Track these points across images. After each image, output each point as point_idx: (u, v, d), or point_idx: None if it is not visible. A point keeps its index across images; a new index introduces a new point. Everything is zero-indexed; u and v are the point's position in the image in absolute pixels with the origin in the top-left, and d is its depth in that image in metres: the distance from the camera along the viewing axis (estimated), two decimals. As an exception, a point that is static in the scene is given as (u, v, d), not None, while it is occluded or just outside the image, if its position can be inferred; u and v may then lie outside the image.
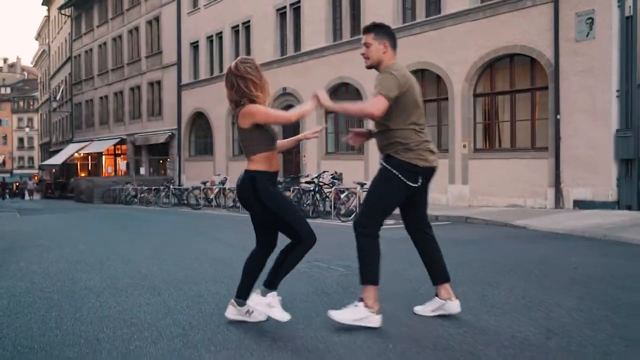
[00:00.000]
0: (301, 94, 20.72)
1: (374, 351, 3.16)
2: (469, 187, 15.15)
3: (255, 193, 3.59)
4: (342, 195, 13.68)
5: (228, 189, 19.41)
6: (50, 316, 4.16)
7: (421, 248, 4.01)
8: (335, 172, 15.45)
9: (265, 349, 3.22)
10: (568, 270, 5.81)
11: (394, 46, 3.97)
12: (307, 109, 3.67)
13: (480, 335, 3.42)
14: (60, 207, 25.15)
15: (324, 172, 16.00)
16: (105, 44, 38.06)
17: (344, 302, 3.99)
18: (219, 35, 26.08)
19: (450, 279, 3.93)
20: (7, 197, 52.22)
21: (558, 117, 13.08)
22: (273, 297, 3.58)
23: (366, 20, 17.99)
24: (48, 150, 54.49)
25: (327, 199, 14.57)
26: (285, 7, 21.85)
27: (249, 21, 23.93)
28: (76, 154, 40.79)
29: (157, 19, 31.70)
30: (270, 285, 3.59)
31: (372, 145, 16.98)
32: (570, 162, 13.00)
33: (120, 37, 36.04)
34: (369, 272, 3.71)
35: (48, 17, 56.63)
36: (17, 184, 65.14)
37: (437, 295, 3.90)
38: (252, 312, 3.73)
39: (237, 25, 24.68)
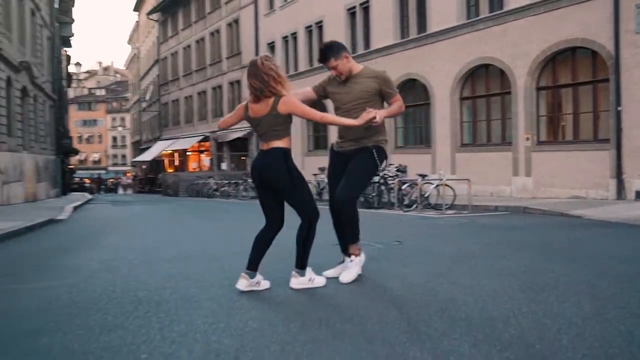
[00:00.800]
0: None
1: (372, 296, 3.97)
2: (532, 179, 15.42)
3: (288, 167, 4.14)
4: (404, 187, 14.30)
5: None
6: (129, 274, 5.20)
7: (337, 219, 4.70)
8: (400, 165, 16.06)
9: (289, 294, 4.07)
10: (589, 250, 6.28)
11: (347, 50, 4.62)
12: (349, 122, 4.25)
13: (466, 289, 4.12)
14: (148, 200, 27.12)
15: (389, 164, 16.65)
16: (189, 46, 40.14)
17: (367, 267, 4.80)
18: (294, 36, 27.19)
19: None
20: (102, 192, 55.93)
21: (619, 108, 13.20)
22: (309, 272, 4.33)
23: (432, 17, 18.52)
24: (139, 147, 57.79)
25: (392, 191, 15.20)
26: (355, 7, 22.64)
27: (321, 21, 24.89)
28: (164, 151, 43.21)
29: (236, 21, 33.26)
30: (303, 267, 4.29)
31: (439, 140, 17.58)
32: (631, 153, 13.09)
33: (202, 39, 37.95)
34: (356, 232, 4.57)
35: (138, 22, 59.92)
36: (112, 180, 69.39)
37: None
38: (260, 282, 4.30)
39: (310, 26, 25.70)
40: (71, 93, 72.72)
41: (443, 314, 3.40)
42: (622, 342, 2.79)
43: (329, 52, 4.53)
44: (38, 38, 24.99)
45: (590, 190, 13.96)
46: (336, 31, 23.74)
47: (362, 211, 4.81)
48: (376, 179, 15.46)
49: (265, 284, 4.31)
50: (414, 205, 13.88)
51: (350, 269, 4.52)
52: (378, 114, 4.17)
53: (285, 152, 4.19)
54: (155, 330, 3.23)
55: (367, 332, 3.07)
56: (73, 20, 35.09)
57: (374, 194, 15.35)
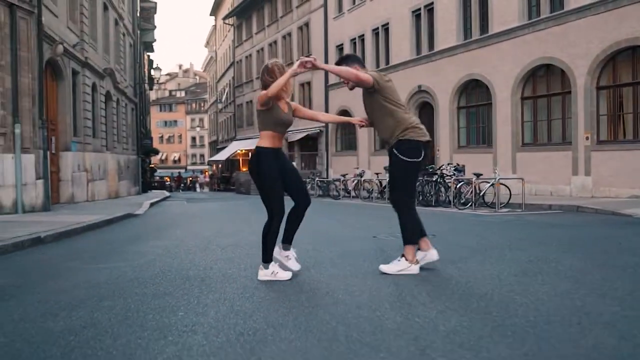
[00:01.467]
0: (435, 91, 21.83)
1: (380, 276, 4.61)
2: (591, 179, 15.43)
3: (257, 165, 4.60)
4: (458, 185, 14.68)
5: (364, 180, 21.13)
6: (186, 258, 6.06)
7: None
8: (458, 164, 16.42)
9: (312, 275, 4.76)
10: (611, 245, 6.59)
11: (362, 65, 5.02)
12: (290, 71, 4.54)
13: (466, 273, 4.69)
14: (221, 197, 28.51)
15: (448, 164, 17.04)
16: (262, 49, 41.50)
17: (390, 255, 5.42)
18: (361, 38, 27.82)
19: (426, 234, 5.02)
20: (181, 190, 58.53)
21: (679, 107, 13.10)
22: (273, 267, 4.69)
23: (494, 18, 18.73)
24: (215, 147, 60.00)
25: (449, 189, 15.57)
26: (420, 9, 23.04)
27: (387, 23, 25.42)
28: (238, 151, 44.82)
29: (307, 24, 34.25)
30: (266, 260, 4.62)
31: (500, 139, 17.77)
32: (692, 152, 12.96)
33: (275, 42, 39.19)
34: (409, 235, 4.86)
35: (215, 26, 62.20)
36: (190, 178, 72.33)
37: (419, 249, 5.05)
38: (292, 258, 4.90)
39: (377, 28, 26.26)
40: (153, 95, 76.21)
41: (432, 290, 4.01)
42: (567, 312, 3.32)
43: (342, 63, 5.03)
44: (121, 45, 26.78)
45: (650, 190, 13.90)
46: (401, 33, 24.24)
47: (419, 209, 5.22)
48: (434, 177, 15.92)
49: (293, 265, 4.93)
50: (469, 204, 14.25)
51: (394, 263, 4.77)
52: (315, 60, 4.56)
53: (259, 153, 4.64)
54: (194, 297, 4.02)
55: (361, 301, 3.74)
56: (155, 26, 37.16)
57: (432, 193, 15.80)
